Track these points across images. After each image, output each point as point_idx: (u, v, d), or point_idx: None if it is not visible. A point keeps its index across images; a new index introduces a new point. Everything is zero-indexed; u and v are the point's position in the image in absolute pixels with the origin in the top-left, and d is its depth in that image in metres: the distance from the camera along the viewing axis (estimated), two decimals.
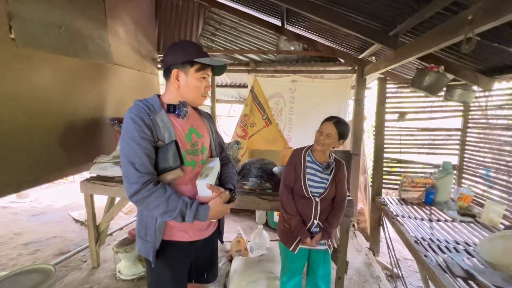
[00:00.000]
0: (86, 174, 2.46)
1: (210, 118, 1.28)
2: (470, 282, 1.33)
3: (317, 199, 1.54)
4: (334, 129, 1.49)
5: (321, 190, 1.54)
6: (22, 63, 1.81)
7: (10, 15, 1.71)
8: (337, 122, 1.50)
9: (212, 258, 1.35)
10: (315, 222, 1.54)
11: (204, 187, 1.04)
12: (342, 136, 1.51)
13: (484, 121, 2.38)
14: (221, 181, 1.21)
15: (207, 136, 1.20)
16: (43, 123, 2.00)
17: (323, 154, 1.57)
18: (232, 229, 3.20)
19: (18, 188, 1.89)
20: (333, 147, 1.56)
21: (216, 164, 1.16)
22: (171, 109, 1.06)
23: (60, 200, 4.44)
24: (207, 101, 5.66)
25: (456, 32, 1.35)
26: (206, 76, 1.10)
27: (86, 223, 3.42)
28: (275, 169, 2.28)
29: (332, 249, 1.60)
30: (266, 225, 3.30)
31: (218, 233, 1.31)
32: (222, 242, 1.34)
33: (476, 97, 2.31)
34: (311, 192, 1.54)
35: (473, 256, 1.60)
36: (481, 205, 2.26)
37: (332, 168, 1.55)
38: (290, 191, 1.59)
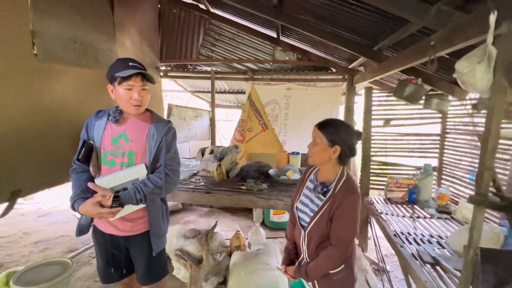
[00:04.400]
0: None
1: (162, 130, 1.31)
2: (437, 267, 1.55)
3: (304, 231, 1.23)
4: (319, 133, 1.18)
5: (311, 215, 1.21)
6: (43, 76, 2.01)
7: (33, 33, 1.91)
8: (322, 124, 1.20)
9: (135, 258, 1.40)
10: (305, 257, 1.26)
11: (100, 184, 1.21)
12: (332, 141, 1.15)
13: (459, 127, 2.62)
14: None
15: (141, 143, 1.30)
16: (59, 130, 2.19)
17: (325, 170, 1.23)
18: (231, 228, 3.40)
19: (37, 188, 2.07)
20: (329, 158, 1.18)
21: (129, 170, 1.26)
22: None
23: (63, 202, 4.60)
24: (206, 106, 5.90)
25: (424, 53, 1.58)
26: (132, 87, 1.24)
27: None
28: (271, 171, 2.50)
29: None
30: (263, 224, 3.50)
31: (147, 241, 1.36)
32: (152, 253, 1.36)
33: (452, 106, 2.56)
34: (299, 218, 1.27)
35: (444, 247, 1.82)
36: (458, 203, 2.49)
37: (328, 192, 1.17)
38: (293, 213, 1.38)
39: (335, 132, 1.17)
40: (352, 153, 1.22)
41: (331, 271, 1.20)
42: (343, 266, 1.21)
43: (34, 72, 1.94)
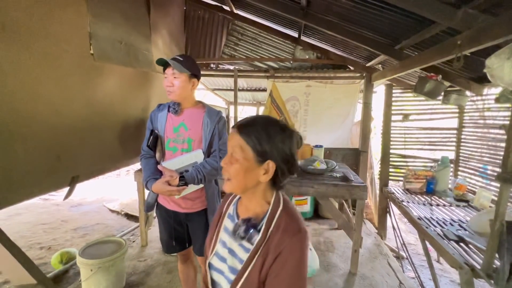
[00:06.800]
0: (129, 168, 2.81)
1: (215, 119, 1.48)
2: (461, 244, 1.73)
3: None
4: (240, 140, 0.71)
5: (231, 279, 0.74)
6: (97, 73, 2.22)
7: (90, 35, 2.12)
8: (244, 125, 0.73)
9: (194, 232, 1.59)
10: None
11: (167, 167, 1.39)
12: (263, 153, 0.70)
13: (476, 121, 2.78)
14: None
15: (197, 131, 1.46)
16: (108, 122, 2.40)
17: (250, 200, 0.77)
18: None
19: (91, 175, 2.29)
20: (257, 182, 0.73)
21: (189, 155, 1.45)
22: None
23: (91, 194, 4.84)
24: (221, 103, 6.12)
25: (449, 52, 1.74)
26: (166, 75, 1.43)
27: (122, 213, 3.84)
28: (299, 162, 2.68)
29: None
30: None
31: (205, 218, 1.55)
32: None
33: (469, 101, 2.71)
34: (213, 282, 0.81)
35: (465, 229, 2.00)
36: (474, 193, 2.65)
37: (258, 235, 0.70)
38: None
39: (266, 137, 0.70)
40: (292, 169, 0.75)
41: None
42: None
43: (91, 69, 2.15)
